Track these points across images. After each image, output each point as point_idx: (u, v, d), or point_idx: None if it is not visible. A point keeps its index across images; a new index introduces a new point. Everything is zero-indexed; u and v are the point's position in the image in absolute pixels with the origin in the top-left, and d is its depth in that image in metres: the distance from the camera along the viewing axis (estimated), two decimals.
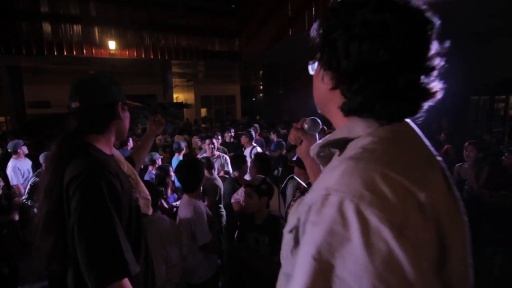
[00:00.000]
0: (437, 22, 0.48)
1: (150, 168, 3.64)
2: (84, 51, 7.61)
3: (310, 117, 0.91)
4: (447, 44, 0.49)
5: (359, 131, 0.53)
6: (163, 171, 3.06)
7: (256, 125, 6.74)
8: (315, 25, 0.59)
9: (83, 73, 9.69)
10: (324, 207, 0.42)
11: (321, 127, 0.90)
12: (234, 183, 3.07)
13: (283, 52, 8.18)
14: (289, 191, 2.83)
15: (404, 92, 0.48)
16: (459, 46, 1.47)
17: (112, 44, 7.85)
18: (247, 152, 4.30)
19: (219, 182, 3.15)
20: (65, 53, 7.37)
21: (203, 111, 16.35)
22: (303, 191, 2.14)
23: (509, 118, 9.17)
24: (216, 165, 3.68)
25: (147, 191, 1.33)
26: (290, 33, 6.99)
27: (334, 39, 0.50)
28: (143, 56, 8.34)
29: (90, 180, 0.93)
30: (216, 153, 3.89)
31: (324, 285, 0.39)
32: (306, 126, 0.90)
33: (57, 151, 1.02)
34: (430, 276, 0.39)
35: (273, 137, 5.87)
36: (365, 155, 0.46)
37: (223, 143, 5.27)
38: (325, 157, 0.63)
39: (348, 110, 0.53)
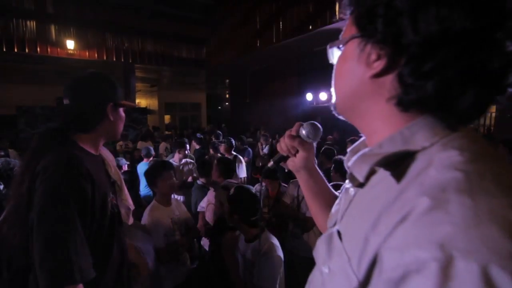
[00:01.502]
0: None
1: None
2: (38, 49, 7.09)
3: (309, 122, 0.72)
4: None
5: (421, 142, 0.38)
6: (132, 175, 2.96)
7: (219, 132, 6.75)
8: None
9: (35, 72, 9.00)
10: (450, 280, 0.27)
11: (321, 133, 0.73)
12: (202, 189, 3.05)
13: (251, 63, 8.35)
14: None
15: (497, 76, 0.35)
16: None
17: (70, 44, 7.41)
18: None
19: None
20: (15, 50, 6.81)
21: (167, 118, 15.92)
22: None
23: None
24: (184, 170, 3.64)
25: (130, 200, 1.30)
26: (258, 44, 7.17)
27: (399, 3, 0.35)
28: (105, 58, 7.98)
29: (54, 176, 0.90)
30: (184, 159, 3.84)
31: None
32: (303, 132, 0.71)
33: (36, 144, 0.99)
34: None
35: (237, 145, 5.94)
36: (475, 180, 0.31)
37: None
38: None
39: (412, 102, 0.38)
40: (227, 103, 16.70)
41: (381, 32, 0.37)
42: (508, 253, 0.25)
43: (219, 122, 14.65)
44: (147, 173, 2.11)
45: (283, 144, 0.73)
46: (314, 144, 0.74)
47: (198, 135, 5.85)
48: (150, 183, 2.11)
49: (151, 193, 4.02)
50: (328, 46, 0.50)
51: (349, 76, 0.45)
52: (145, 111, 11.38)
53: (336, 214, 0.52)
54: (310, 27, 5.57)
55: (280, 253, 1.59)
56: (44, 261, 0.84)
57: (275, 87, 10.14)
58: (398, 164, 0.38)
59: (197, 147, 5.65)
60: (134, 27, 8.29)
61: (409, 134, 0.39)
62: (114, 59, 8.13)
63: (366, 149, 0.44)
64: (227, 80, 12.77)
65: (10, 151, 5.62)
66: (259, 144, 6.42)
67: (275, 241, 1.62)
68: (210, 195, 2.66)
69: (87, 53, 7.73)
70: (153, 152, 4.17)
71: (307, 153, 0.72)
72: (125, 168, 3.58)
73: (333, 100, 0.51)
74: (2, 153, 4.75)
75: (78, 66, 8.47)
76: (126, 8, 8.05)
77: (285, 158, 0.76)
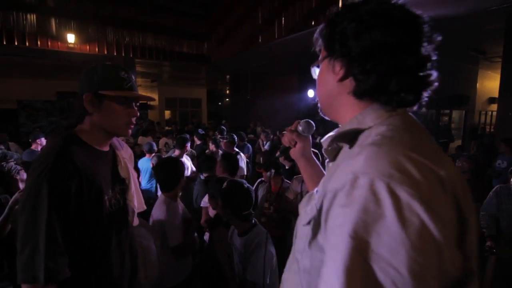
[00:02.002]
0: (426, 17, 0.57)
1: None
2: (39, 42, 7.04)
3: (304, 119, 0.93)
4: (438, 38, 0.57)
5: (369, 122, 0.57)
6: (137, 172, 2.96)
7: (223, 127, 6.74)
8: (319, 28, 0.65)
9: (35, 66, 8.95)
10: (354, 189, 0.45)
11: (314, 128, 0.93)
12: (205, 184, 3.05)
13: (252, 59, 8.31)
14: (260, 193, 2.88)
15: (412, 69, 0.55)
16: None
17: (71, 37, 7.37)
18: None
19: None
20: (16, 43, 6.76)
21: (167, 113, 15.89)
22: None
23: (452, 130, 10.16)
24: (185, 167, 3.63)
25: (136, 202, 1.24)
26: (260, 40, 7.13)
27: (344, 28, 0.57)
28: (106, 52, 7.93)
29: (36, 171, 0.89)
30: (184, 156, 3.84)
31: (362, 262, 0.41)
32: (300, 128, 0.93)
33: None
34: (453, 246, 0.43)
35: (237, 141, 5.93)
36: (385, 140, 0.50)
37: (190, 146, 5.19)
38: (332, 151, 0.66)
39: (362, 91, 0.58)
40: (227, 99, 16.66)
41: (339, 51, 0.59)
42: (388, 174, 0.43)
43: (220, 118, 14.63)
44: (169, 172, 2.10)
45: (286, 137, 0.96)
46: (310, 137, 0.97)
47: (200, 130, 5.85)
48: (174, 181, 2.07)
49: (152, 188, 4.02)
50: (310, 66, 0.73)
51: (325, 84, 0.65)
52: (146, 106, 11.35)
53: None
54: (313, 23, 5.53)
55: (271, 247, 1.60)
56: (19, 254, 0.86)
57: (276, 84, 10.12)
58: (353, 139, 0.58)
59: (199, 142, 5.65)
60: (135, 22, 8.24)
61: (361, 118, 0.59)
62: (115, 54, 8.08)
63: (337, 129, 0.64)
64: (228, 76, 12.72)
65: (11, 144, 5.62)
66: (259, 140, 6.41)
67: (266, 235, 1.63)
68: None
69: (87, 47, 7.69)
70: (155, 148, 4.17)
71: (304, 144, 0.95)
72: None
73: (319, 104, 0.71)
74: (2, 147, 4.74)
75: (79, 60, 8.43)
76: (127, 2, 7.99)
77: (288, 149, 0.98)
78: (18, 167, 2.19)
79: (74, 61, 8.38)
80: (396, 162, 0.45)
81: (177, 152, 3.83)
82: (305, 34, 5.75)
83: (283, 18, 6.40)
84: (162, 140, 6.16)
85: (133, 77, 1.09)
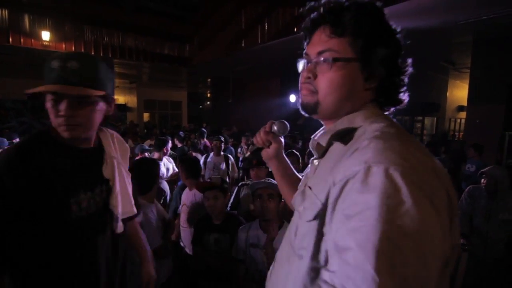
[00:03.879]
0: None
1: None
2: (10, 39, 6.71)
3: (278, 120, 0.92)
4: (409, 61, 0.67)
5: (359, 122, 0.63)
6: None
7: (203, 129, 6.72)
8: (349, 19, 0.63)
9: (7, 64, 8.50)
10: (369, 177, 0.48)
11: (288, 129, 0.92)
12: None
13: (235, 63, 8.34)
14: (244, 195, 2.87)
15: (400, 87, 0.67)
16: None
17: (46, 35, 7.08)
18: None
19: (165, 186, 3.09)
20: None
21: (146, 116, 15.54)
22: None
23: (423, 135, 10.68)
24: (164, 169, 3.59)
25: (120, 207, 1.09)
26: (243, 44, 7.19)
27: (379, 37, 0.62)
28: (83, 51, 7.69)
29: None
30: (164, 158, 3.80)
31: (390, 242, 0.43)
32: (275, 128, 0.91)
33: None
34: (447, 231, 0.48)
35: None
36: (387, 135, 0.55)
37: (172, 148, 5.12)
38: (321, 148, 0.69)
39: (384, 98, 0.67)
40: (208, 102, 16.55)
41: (374, 59, 0.62)
42: (399, 163, 0.48)
43: (200, 121, 14.50)
44: (144, 173, 2.06)
45: (259, 138, 0.93)
46: (282, 138, 0.95)
47: (181, 133, 5.79)
48: (149, 183, 2.02)
49: None
50: (321, 58, 0.64)
51: (344, 87, 0.63)
52: (125, 108, 11.06)
53: (304, 181, 0.77)
54: (295, 29, 5.66)
55: None
56: None
57: (258, 88, 10.19)
58: (345, 136, 0.62)
59: (179, 145, 5.59)
60: (114, 21, 8.04)
61: (352, 118, 0.64)
62: (93, 53, 7.84)
63: (327, 128, 0.69)
64: (209, 79, 12.67)
65: None
66: (242, 143, 6.41)
67: None
68: (184, 195, 2.61)
69: (63, 46, 7.41)
70: (146, 148, 4.08)
71: (278, 144, 0.94)
72: None
73: (318, 103, 0.66)
74: None
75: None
76: (108, 1, 7.80)
77: (260, 150, 0.95)
78: None
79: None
80: (402, 154, 0.50)
81: (156, 154, 3.77)
82: (287, 40, 5.86)
83: (266, 24, 6.49)
84: (147, 142, 6.05)
85: (75, 65, 0.90)
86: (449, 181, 0.52)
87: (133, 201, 1.18)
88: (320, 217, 0.57)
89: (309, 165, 0.79)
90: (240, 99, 10.68)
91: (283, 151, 0.98)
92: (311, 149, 0.73)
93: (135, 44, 8.49)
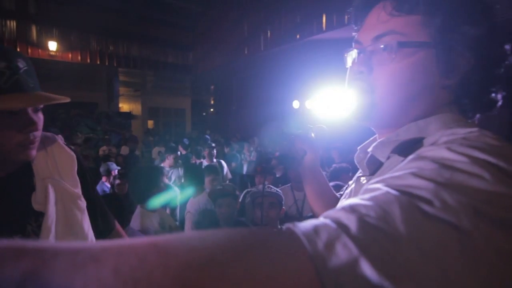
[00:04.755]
0: None
1: (103, 179, 3.38)
2: (18, 49, 6.84)
3: (316, 125, 0.77)
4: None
5: (432, 131, 0.44)
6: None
7: (207, 136, 6.77)
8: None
9: None
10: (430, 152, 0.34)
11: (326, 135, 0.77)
12: None
13: (238, 70, 8.41)
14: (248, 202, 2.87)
15: (492, 83, 0.47)
16: None
17: (53, 45, 7.21)
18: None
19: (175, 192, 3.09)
20: None
21: (150, 123, 15.66)
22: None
23: None
24: (173, 177, 3.59)
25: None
26: (246, 52, 7.25)
27: (461, 33, 0.43)
28: (88, 61, 7.81)
29: None
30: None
31: None
32: (313, 134, 0.76)
33: None
34: None
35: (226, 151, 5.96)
36: (482, 140, 0.35)
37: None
38: (373, 163, 0.52)
39: (473, 109, 0.48)
40: (212, 110, 16.64)
41: (471, 47, 0.43)
42: (493, 152, 0.31)
43: (204, 128, 14.56)
44: (142, 180, 2.07)
45: (294, 146, 0.75)
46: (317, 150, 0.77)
47: (185, 140, 5.82)
48: (147, 191, 2.05)
49: None
50: (381, 45, 0.47)
51: (413, 84, 0.46)
52: (129, 115, 11.17)
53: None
54: (298, 36, 5.70)
55: None
56: None
57: (261, 95, 10.24)
58: (408, 148, 0.43)
59: (183, 152, 5.61)
60: (120, 31, 8.18)
61: (424, 125, 0.45)
62: (98, 62, 7.96)
63: (384, 138, 0.49)
64: (212, 87, 12.76)
65: None
66: (245, 150, 6.42)
67: None
68: (189, 202, 2.62)
69: (69, 55, 7.54)
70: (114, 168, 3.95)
71: (314, 155, 0.75)
72: (115, 174, 3.50)
73: (374, 105, 0.49)
74: None
75: (60, 69, 8.23)
76: (113, 11, 7.94)
77: (290, 158, 0.76)
78: None
79: (56, 69, 8.18)
80: (495, 150, 0.32)
81: (167, 162, 3.81)
82: (290, 46, 5.91)
83: (268, 31, 6.56)
84: (155, 150, 6.11)
85: (24, 64, 0.70)
86: None
87: (85, 231, 0.84)
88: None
89: (353, 184, 0.60)
90: (244, 106, 10.72)
91: (319, 165, 0.79)
92: (357, 163, 0.56)
93: (140, 53, 8.61)
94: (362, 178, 0.55)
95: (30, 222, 0.77)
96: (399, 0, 0.45)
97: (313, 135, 0.74)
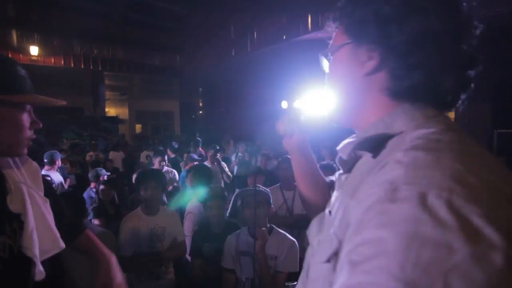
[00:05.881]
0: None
1: (92, 185, 3.31)
2: None
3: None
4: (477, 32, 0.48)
5: (400, 126, 0.44)
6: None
7: (199, 139, 6.71)
8: (338, 3, 0.53)
9: None
10: (393, 203, 0.31)
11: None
12: None
13: (225, 71, 8.39)
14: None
15: (467, 66, 0.46)
16: None
17: (34, 50, 7.04)
18: None
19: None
20: None
21: (138, 127, 15.45)
22: None
23: None
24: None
25: (36, 250, 0.81)
26: (233, 53, 7.24)
27: (382, 7, 0.45)
28: (72, 65, 7.66)
29: None
30: (165, 168, 3.77)
31: None
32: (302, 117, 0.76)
33: None
34: None
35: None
36: (432, 144, 0.37)
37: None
38: (348, 161, 0.52)
39: (402, 90, 0.46)
40: (200, 112, 16.55)
41: (374, 37, 0.46)
42: (447, 186, 0.30)
43: (193, 131, 14.46)
44: (135, 181, 2.07)
45: (281, 124, 0.78)
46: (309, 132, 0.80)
47: (174, 143, 5.77)
48: (136, 190, 2.06)
49: None
50: (319, 54, 0.58)
51: (346, 77, 0.52)
52: (117, 120, 10.99)
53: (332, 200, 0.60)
54: (284, 37, 5.73)
55: None
56: None
57: (249, 96, 10.24)
58: (378, 146, 0.45)
59: (172, 155, 5.55)
60: (104, 34, 8.05)
61: (390, 121, 0.46)
62: (82, 66, 7.81)
63: (358, 134, 0.52)
64: (201, 89, 12.70)
65: None
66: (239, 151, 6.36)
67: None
68: (190, 205, 2.59)
69: (52, 60, 7.38)
70: (104, 173, 3.89)
71: (302, 136, 0.78)
72: (104, 179, 3.43)
73: (331, 106, 0.57)
74: None
75: (42, 73, 8.03)
76: (96, 14, 7.81)
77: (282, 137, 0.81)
78: None
79: (38, 74, 7.97)
80: (454, 173, 0.32)
81: (156, 164, 3.77)
82: (277, 47, 5.94)
83: (255, 32, 6.57)
84: (143, 154, 6.03)
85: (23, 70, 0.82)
86: None
87: (57, 234, 0.88)
88: (335, 259, 0.42)
89: (336, 181, 0.63)
90: (233, 107, 10.71)
91: (309, 147, 0.81)
92: (337, 162, 0.57)
93: (125, 56, 8.50)
94: (342, 176, 0.57)
95: (10, 222, 0.79)
96: (333, 18, 0.54)
97: (302, 118, 0.76)
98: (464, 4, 0.45)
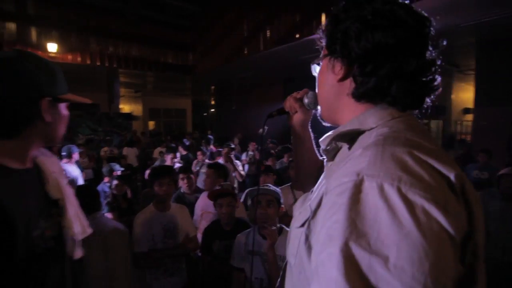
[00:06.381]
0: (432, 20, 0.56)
1: (105, 179, 3.39)
2: None
3: (314, 91, 0.82)
4: (444, 42, 0.56)
5: (370, 124, 0.54)
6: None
7: (210, 136, 6.76)
8: (323, 25, 0.63)
9: None
10: (360, 193, 0.41)
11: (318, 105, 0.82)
12: None
13: (238, 70, 8.40)
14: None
15: (415, 74, 0.53)
16: None
17: (53, 47, 7.23)
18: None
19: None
20: None
21: (151, 124, 15.68)
22: None
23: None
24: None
25: (78, 227, 0.92)
26: (245, 51, 7.24)
27: (347, 27, 0.55)
28: (88, 62, 7.82)
29: None
30: (177, 164, 3.82)
31: (370, 279, 0.36)
32: (306, 100, 0.85)
33: None
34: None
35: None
36: (389, 141, 0.47)
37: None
38: (331, 151, 0.63)
39: (361, 93, 0.56)
40: (212, 110, 16.65)
41: (340, 51, 0.57)
42: (397, 177, 0.40)
43: (205, 128, 14.57)
44: (148, 176, 2.11)
45: (288, 103, 0.89)
46: (311, 113, 0.89)
47: (185, 141, 5.82)
48: (150, 186, 2.09)
49: None
50: (311, 63, 0.72)
51: (325, 83, 0.64)
52: (131, 116, 11.17)
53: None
54: (297, 35, 5.69)
55: None
56: None
57: (261, 94, 10.23)
58: (352, 139, 0.56)
59: (184, 152, 5.61)
60: (119, 32, 8.19)
61: (363, 119, 0.56)
62: (98, 64, 7.97)
63: (337, 128, 0.61)
64: (213, 87, 12.77)
65: None
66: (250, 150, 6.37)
67: None
68: (203, 202, 2.58)
69: (69, 57, 7.55)
70: (118, 169, 3.95)
71: (305, 116, 0.89)
72: (117, 174, 3.50)
73: (319, 106, 0.70)
74: None
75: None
76: (112, 12, 7.95)
77: (285, 113, 0.91)
78: None
79: None
80: (403, 164, 0.42)
81: (168, 161, 3.82)
82: (289, 46, 5.90)
83: (268, 31, 6.55)
84: (157, 150, 6.15)
85: None
86: (477, 202, 0.44)
87: (85, 219, 0.98)
88: (309, 224, 0.57)
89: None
90: (244, 105, 10.72)
91: (309, 127, 0.92)
92: (321, 152, 0.68)
93: (140, 54, 8.62)
94: (328, 164, 0.68)
95: (51, 208, 0.88)
96: (320, 34, 0.64)
97: (306, 100, 0.85)
98: (413, 20, 0.53)
